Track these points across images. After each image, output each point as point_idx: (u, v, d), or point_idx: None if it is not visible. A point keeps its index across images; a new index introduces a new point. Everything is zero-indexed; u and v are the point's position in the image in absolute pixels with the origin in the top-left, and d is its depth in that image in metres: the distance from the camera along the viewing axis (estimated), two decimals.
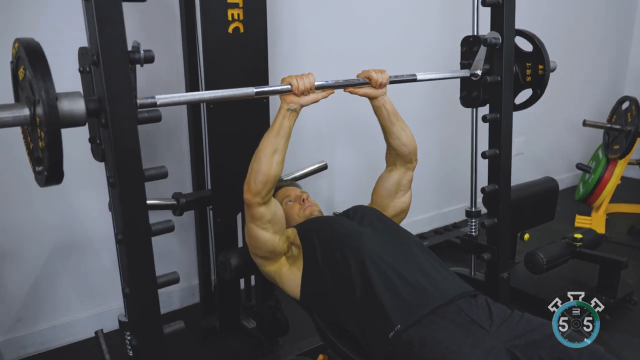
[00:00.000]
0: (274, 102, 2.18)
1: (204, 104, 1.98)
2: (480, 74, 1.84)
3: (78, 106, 1.00)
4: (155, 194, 2.28)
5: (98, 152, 1.23)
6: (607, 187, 3.52)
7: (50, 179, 0.98)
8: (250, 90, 1.39)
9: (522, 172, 3.55)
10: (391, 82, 1.63)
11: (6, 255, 2.10)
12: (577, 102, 4.33)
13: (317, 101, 1.51)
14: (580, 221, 3.65)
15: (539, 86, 1.91)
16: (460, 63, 1.95)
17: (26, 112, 0.97)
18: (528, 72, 1.92)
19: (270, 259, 1.60)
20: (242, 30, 1.85)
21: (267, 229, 1.52)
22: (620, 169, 3.52)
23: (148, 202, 1.67)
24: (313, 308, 1.60)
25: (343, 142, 3.00)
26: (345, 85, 1.58)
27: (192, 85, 2.12)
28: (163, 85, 2.25)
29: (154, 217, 1.19)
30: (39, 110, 0.92)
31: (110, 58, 1.02)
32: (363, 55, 2.83)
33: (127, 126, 1.07)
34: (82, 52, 1.38)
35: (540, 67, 1.89)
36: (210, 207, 2.13)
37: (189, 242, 2.50)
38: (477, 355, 1.14)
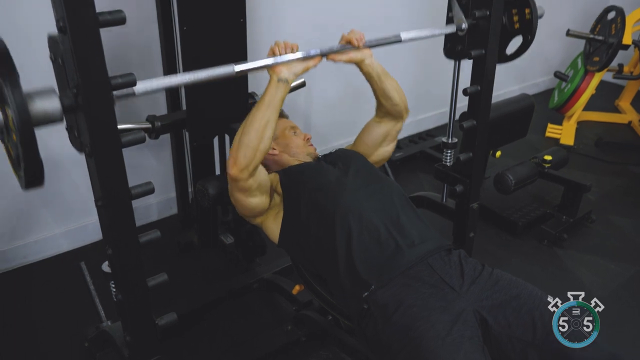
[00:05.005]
0: (251, 22, 2.06)
1: (176, 19, 1.89)
2: (466, 29, 1.77)
3: (52, 104, 0.93)
4: (129, 116, 2.23)
5: (77, 143, 1.16)
6: (582, 98, 3.53)
7: (30, 183, 0.96)
8: (230, 68, 1.30)
9: (499, 76, 3.52)
10: (376, 45, 1.59)
11: None
12: (561, 7, 4.18)
13: (307, 69, 1.46)
14: (552, 130, 3.71)
15: (529, 31, 1.88)
16: (447, 17, 1.84)
17: None
18: (515, 18, 1.87)
19: (258, 215, 1.62)
20: None
21: (256, 195, 1.51)
22: (597, 81, 3.50)
23: (121, 126, 1.62)
24: (292, 256, 1.65)
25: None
26: (328, 53, 1.51)
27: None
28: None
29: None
30: (10, 112, 0.87)
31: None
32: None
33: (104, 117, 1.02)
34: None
35: (527, 10, 1.84)
36: (186, 129, 2.10)
37: (166, 158, 2.48)
38: (447, 320, 1.21)
